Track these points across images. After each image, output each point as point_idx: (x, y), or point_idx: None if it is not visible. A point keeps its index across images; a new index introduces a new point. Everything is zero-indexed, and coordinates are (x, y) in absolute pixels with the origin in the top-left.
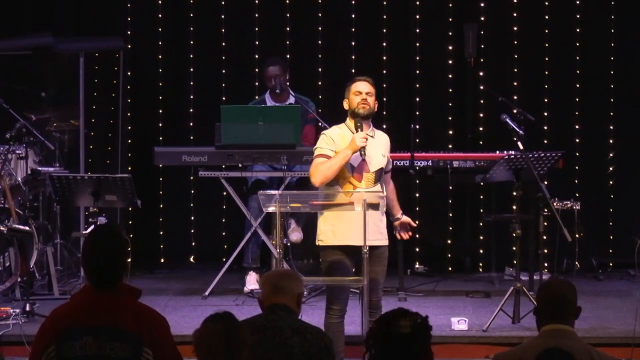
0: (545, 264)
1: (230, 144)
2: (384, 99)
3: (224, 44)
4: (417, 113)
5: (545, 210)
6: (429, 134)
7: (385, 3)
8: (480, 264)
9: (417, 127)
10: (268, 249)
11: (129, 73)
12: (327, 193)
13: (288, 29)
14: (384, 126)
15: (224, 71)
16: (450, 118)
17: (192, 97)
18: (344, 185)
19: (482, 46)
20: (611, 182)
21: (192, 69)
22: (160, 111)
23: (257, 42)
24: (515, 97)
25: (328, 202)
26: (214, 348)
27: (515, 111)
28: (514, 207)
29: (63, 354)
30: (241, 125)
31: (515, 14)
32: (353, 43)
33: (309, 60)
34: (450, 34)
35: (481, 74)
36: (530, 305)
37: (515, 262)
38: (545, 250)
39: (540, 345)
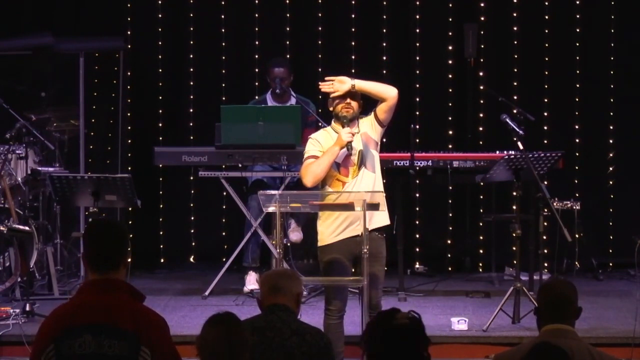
0: (545, 264)
1: (230, 144)
2: None
3: (224, 44)
4: (417, 113)
5: (545, 210)
6: (429, 134)
7: (385, 3)
8: (480, 264)
9: (417, 127)
10: (268, 249)
11: (129, 73)
12: (326, 193)
13: (288, 29)
14: None
15: (224, 71)
16: (450, 118)
17: (192, 97)
18: (332, 183)
19: (482, 46)
20: (611, 182)
21: (192, 69)
22: (160, 111)
23: (257, 42)
24: (515, 97)
25: (328, 202)
26: (217, 352)
27: (515, 111)
28: (514, 207)
29: (62, 353)
30: (241, 125)
31: (515, 14)
32: (353, 43)
33: (309, 60)
34: (450, 34)
35: (481, 74)
36: (530, 305)
37: (515, 262)
38: (545, 250)
39: None
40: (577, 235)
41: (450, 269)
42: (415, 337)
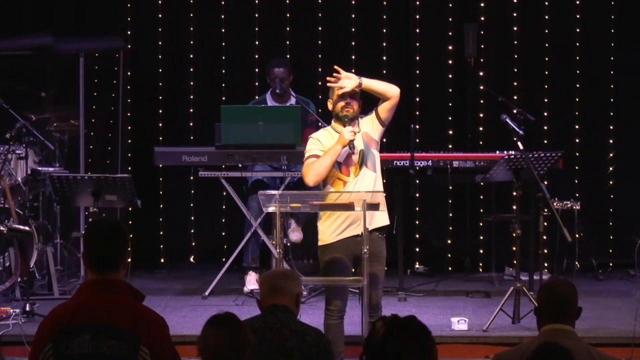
0: (545, 264)
1: (230, 144)
2: None
3: (224, 44)
4: (417, 113)
5: (545, 210)
6: (429, 134)
7: (385, 3)
8: (480, 264)
9: (417, 127)
10: (268, 249)
11: (129, 73)
12: (326, 193)
13: (288, 29)
14: None
15: (224, 71)
16: (450, 118)
17: (192, 97)
18: (333, 182)
19: (482, 46)
20: (611, 182)
21: (192, 69)
22: (160, 111)
23: (257, 42)
24: (515, 97)
25: (328, 202)
26: (218, 352)
27: (515, 111)
28: (514, 207)
29: (60, 352)
30: (241, 125)
31: (515, 14)
32: (353, 43)
33: (309, 60)
34: (450, 34)
35: (481, 74)
36: (530, 305)
37: (515, 262)
38: (545, 250)
39: None
40: (577, 235)
41: (450, 269)
42: (404, 330)
